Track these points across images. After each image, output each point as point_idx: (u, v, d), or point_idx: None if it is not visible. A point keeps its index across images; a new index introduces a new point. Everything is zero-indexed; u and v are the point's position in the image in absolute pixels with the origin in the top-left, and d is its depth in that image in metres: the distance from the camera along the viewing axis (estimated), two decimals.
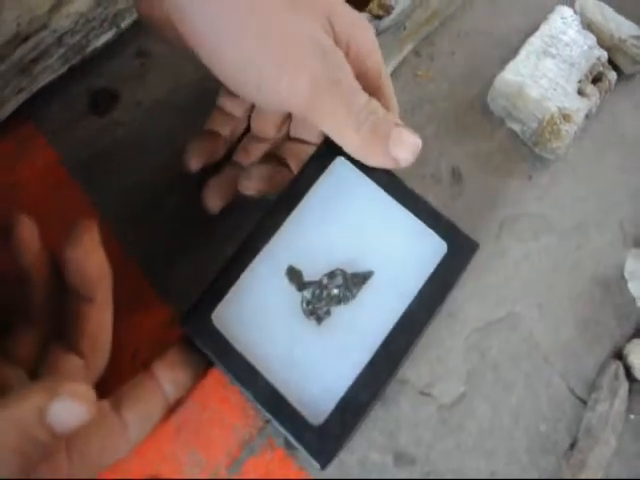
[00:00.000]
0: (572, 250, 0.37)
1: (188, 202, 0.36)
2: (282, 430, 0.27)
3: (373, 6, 0.37)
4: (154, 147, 0.38)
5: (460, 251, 0.29)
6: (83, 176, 0.37)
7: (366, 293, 0.29)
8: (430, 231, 0.30)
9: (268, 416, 0.27)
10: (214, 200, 0.34)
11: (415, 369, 0.32)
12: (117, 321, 0.29)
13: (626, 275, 0.36)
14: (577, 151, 0.40)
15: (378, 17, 0.37)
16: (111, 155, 0.38)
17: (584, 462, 0.30)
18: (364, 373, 0.27)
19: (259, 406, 0.27)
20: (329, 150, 0.30)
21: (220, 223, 0.35)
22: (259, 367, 0.28)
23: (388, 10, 0.37)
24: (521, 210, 0.38)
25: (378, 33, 0.38)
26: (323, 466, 0.27)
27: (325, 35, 0.27)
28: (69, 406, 0.21)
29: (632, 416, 0.33)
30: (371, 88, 0.29)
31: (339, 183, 0.31)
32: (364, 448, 0.30)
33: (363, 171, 0.30)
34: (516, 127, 0.41)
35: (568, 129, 0.39)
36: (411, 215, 0.30)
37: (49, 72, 0.38)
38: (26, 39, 0.36)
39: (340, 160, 0.31)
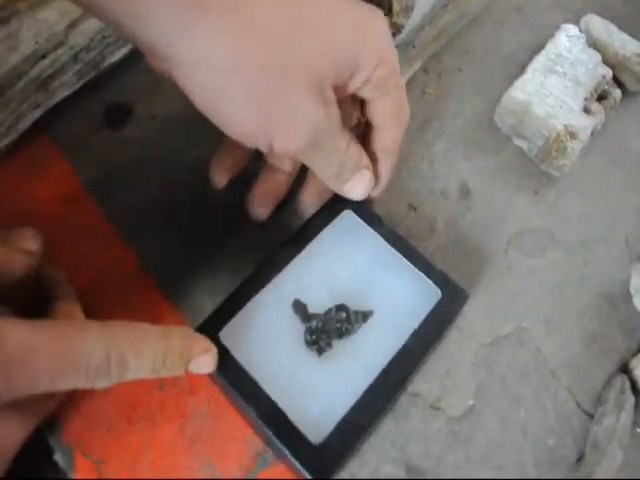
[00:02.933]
0: (578, 265, 0.38)
1: (201, 217, 0.37)
2: (282, 448, 0.28)
3: None
4: (167, 162, 0.39)
5: (452, 298, 0.32)
6: (97, 189, 0.38)
7: (366, 329, 0.31)
8: (426, 279, 0.32)
9: (269, 434, 0.28)
10: (262, 210, 0.36)
11: (425, 383, 0.33)
12: None
13: (631, 290, 0.37)
14: (583, 168, 0.42)
15: None
16: (124, 169, 0.39)
17: (591, 475, 0.31)
18: (362, 399, 0.29)
19: (260, 423, 0.28)
20: (340, 201, 0.34)
21: (233, 238, 0.36)
22: (263, 385, 0.29)
23: (399, 29, 0.38)
24: (528, 226, 0.39)
25: None
26: (318, 473, 0.28)
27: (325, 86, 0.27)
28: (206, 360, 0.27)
29: (639, 430, 0.34)
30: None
31: (346, 231, 0.34)
32: (376, 460, 0.31)
33: (368, 223, 0.34)
34: (523, 144, 0.42)
35: (574, 146, 0.40)
36: (409, 264, 0.33)
37: (65, 88, 0.40)
38: (44, 56, 0.38)
39: (348, 212, 0.34)
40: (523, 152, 0.42)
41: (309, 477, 0.28)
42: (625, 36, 0.47)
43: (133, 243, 0.36)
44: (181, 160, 0.40)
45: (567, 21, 0.48)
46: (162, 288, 0.35)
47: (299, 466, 0.28)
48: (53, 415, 0.30)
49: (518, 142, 0.42)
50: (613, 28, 0.48)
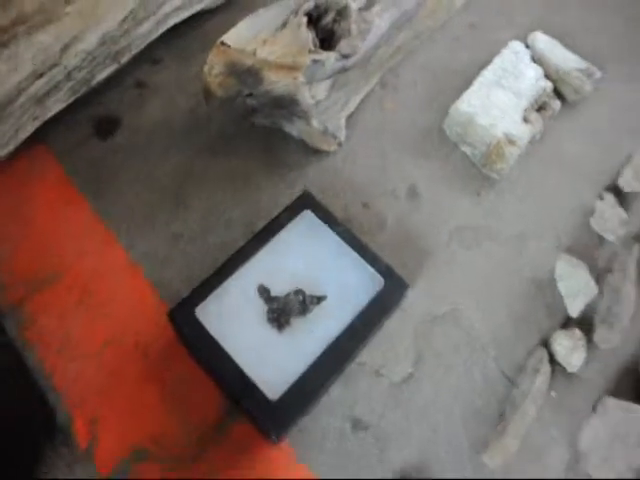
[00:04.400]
0: (511, 256, 0.48)
1: (182, 215, 0.46)
2: (245, 404, 0.37)
3: (342, 45, 0.48)
4: (152, 166, 0.49)
5: (394, 287, 0.42)
6: (89, 190, 0.48)
7: (319, 310, 0.41)
8: (372, 270, 0.42)
9: (235, 393, 0.37)
10: None
11: (371, 354, 0.43)
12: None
13: (556, 277, 0.47)
14: (521, 172, 0.51)
15: (346, 56, 0.48)
16: (114, 173, 0.49)
17: (505, 428, 0.40)
18: (314, 366, 0.39)
19: (228, 384, 0.38)
20: (301, 203, 0.44)
21: (209, 234, 0.46)
22: (230, 354, 0.38)
23: (355, 49, 0.48)
24: (469, 222, 0.49)
25: (346, 69, 0.49)
26: (277, 435, 0.37)
27: None
28: None
29: (553, 393, 0.43)
30: None
31: (305, 228, 0.44)
32: (326, 417, 0.41)
33: (324, 222, 0.43)
34: (468, 150, 0.52)
35: (512, 152, 0.50)
36: (358, 256, 0.42)
37: (59, 102, 0.49)
38: (41, 75, 0.47)
39: (308, 212, 0.43)
40: (468, 158, 0.51)
41: (268, 428, 0.37)
42: (567, 52, 0.57)
43: (123, 238, 0.45)
44: (164, 165, 0.49)
45: (517, 38, 0.57)
46: (148, 277, 0.44)
47: (259, 418, 0.37)
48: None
49: (464, 148, 0.52)
50: (557, 45, 0.58)
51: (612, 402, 0.42)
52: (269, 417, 0.37)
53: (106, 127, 0.51)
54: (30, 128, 0.48)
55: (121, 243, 0.46)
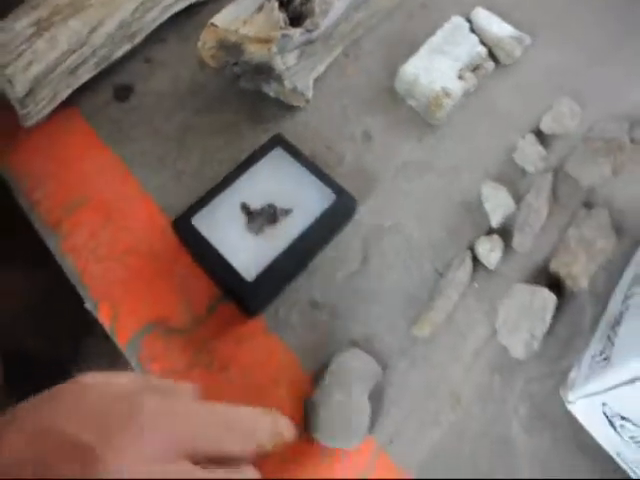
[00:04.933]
0: (446, 185, 0.60)
1: (185, 155, 0.61)
2: (228, 284, 0.50)
3: (307, 23, 0.62)
4: (160, 123, 0.63)
5: (345, 201, 0.55)
6: (111, 142, 0.62)
7: (287, 219, 0.55)
8: (328, 189, 0.55)
9: (220, 277, 0.51)
10: None
11: (327, 255, 0.56)
12: None
13: (482, 199, 0.60)
14: (458, 120, 0.64)
15: (310, 31, 0.62)
16: (130, 129, 0.63)
17: (432, 306, 0.53)
18: (280, 256, 0.52)
19: (216, 271, 0.51)
20: (273, 142, 0.57)
21: (205, 167, 0.60)
22: (219, 250, 0.52)
23: (317, 26, 0.62)
24: (412, 159, 0.62)
25: (311, 42, 0.63)
26: (253, 306, 0.51)
27: None
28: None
29: (476, 285, 0.56)
30: None
31: (277, 160, 0.57)
32: (291, 300, 0.54)
33: (291, 155, 0.57)
34: (413, 103, 0.65)
35: (448, 102, 0.63)
36: (317, 180, 0.56)
37: (86, 73, 0.64)
38: (73, 52, 0.62)
39: (279, 148, 0.57)
40: (413, 109, 0.64)
41: (245, 300, 0.50)
42: (503, 23, 0.70)
43: (138, 174, 0.60)
44: (170, 121, 0.63)
45: (462, 15, 0.71)
46: (158, 202, 0.58)
47: (238, 294, 0.51)
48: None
49: (410, 102, 0.65)
50: (495, 18, 0.71)
51: (520, 286, 0.55)
52: (246, 292, 0.51)
53: (123, 93, 0.65)
54: (64, 94, 0.62)
55: (136, 178, 0.60)
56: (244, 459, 0.36)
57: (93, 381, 0.34)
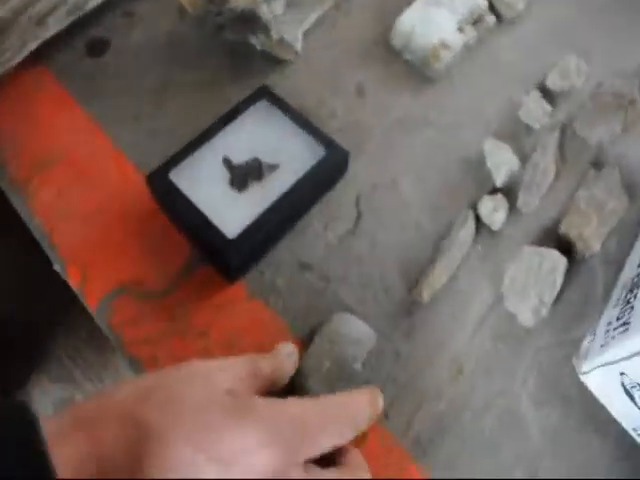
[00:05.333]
0: (446, 141, 0.55)
1: (162, 107, 0.55)
2: (209, 243, 0.45)
3: None
4: (136, 77, 0.57)
5: (335, 154, 0.50)
6: (83, 99, 0.56)
7: (273, 176, 0.49)
8: (317, 142, 0.50)
9: (200, 235, 0.45)
10: None
11: (317, 214, 0.50)
12: None
13: (485, 156, 0.54)
14: (458, 74, 0.59)
15: None
16: (105, 85, 0.57)
17: (432, 269, 0.48)
18: (265, 213, 0.46)
19: (195, 229, 0.45)
20: (259, 93, 0.52)
21: (183, 121, 0.54)
22: (199, 206, 0.46)
23: None
24: (409, 114, 0.56)
25: None
26: (234, 267, 0.45)
27: None
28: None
29: (479, 247, 0.50)
30: None
31: (263, 111, 0.52)
32: (277, 263, 0.48)
33: (278, 107, 0.51)
34: (409, 57, 0.59)
35: (446, 54, 0.57)
36: (306, 133, 0.50)
37: (57, 24, 0.58)
38: None
39: (264, 100, 0.52)
40: (410, 63, 0.59)
41: (226, 259, 0.45)
42: None
43: (111, 133, 0.54)
44: (147, 76, 0.57)
45: None
46: (132, 159, 0.52)
47: (219, 253, 0.45)
48: None
49: (407, 56, 0.59)
50: None
51: (529, 248, 0.49)
52: (227, 250, 0.45)
53: (98, 48, 0.60)
54: (32, 45, 0.56)
55: (109, 135, 0.54)
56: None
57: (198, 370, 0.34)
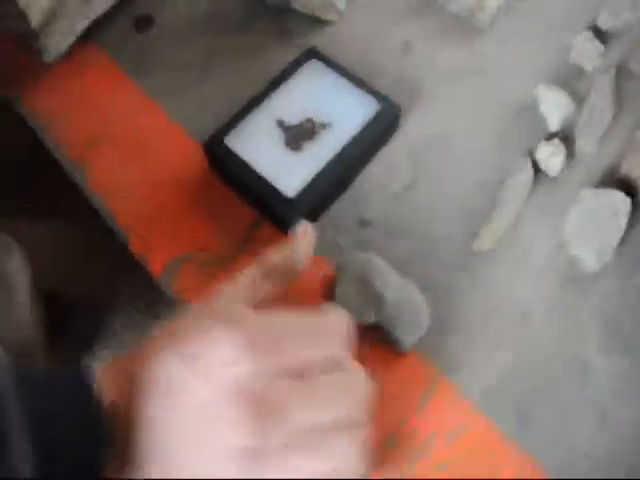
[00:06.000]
0: (495, 89, 0.53)
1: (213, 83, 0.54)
2: (268, 202, 0.44)
3: None
4: (182, 50, 0.56)
5: (389, 109, 0.48)
6: (134, 73, 0.55)
7: (327, 134, 0.48)
8: (370, 97, 0.48)
9: (260, 196, 0.44)
10: None
11: (373, 170, 0.49)
12: None
13: (538, 102, 0.51)
14: (505, 23, 0.56)
15: None
16: (153, 58, 0.56)
17: (492, 217, 0.46)
18: (322, 171, 0.45)
19: (255, 190, 0.44)
20: (307, 55, 0.51)
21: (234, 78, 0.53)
22: (256, 169, 0.45)
23: None
24: (457, 65, 0.54)
25: None
26: (294, 222, 0.44)
27: None
28: None
29: (539, 195, 0.48)
30: None
31: (313, 72, 0.50)
32: (337, 220, 0.47)
33: (326, 65, 0.50)
34: (454, 8, 0.57)
35: (491, 4, 0.54)
36: (358, 89, 0.49)
37: (103, 3, 0.57)
38: None
39: (313, 61, 0.51)
40: (454, 14, 0.56)
41: (287, 217, 0.43)
42: None
43: (163, 105, 0.53)
44: (193, 48, 0.56)
45: None
46: (187, 131, 0.51)
47: (279, 212, 0.44)
48: None
49: (451, 8, 0.57)
50: None
51: (590, 191, 0.47)
52: (287, 210, 0.44)
53: (144, 24, 0.59)
54: (81, 25, 0.56)
55: (162, 107, 0.53)
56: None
57: None
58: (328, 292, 0.44)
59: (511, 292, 0.45)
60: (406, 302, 0.43)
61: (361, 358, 0.40)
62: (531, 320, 0.44)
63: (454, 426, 0.40)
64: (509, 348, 0.43)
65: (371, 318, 0.42)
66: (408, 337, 0.42)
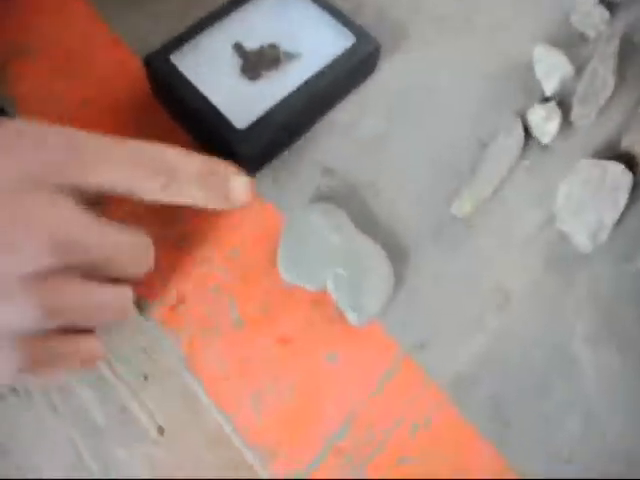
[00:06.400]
0: (488, 43, 0.46)
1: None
2: (215, 133, 0.36)
3: None
4: None
5: (365, 44, 0.40)
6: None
7: (291, 65, 0.40)
8: (345, 29, 0.41)
9: (206, 124, 0.36)
10: None
11: (342, 113, 0.41)
12: None
13: (534, 61, 0.44)
14: None
15: None
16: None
17: (477, 178, 0.39)
18: (281, 103, 0.37)
19: (202, 117, 0.36)
20: None
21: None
22: (204, 93, 0.37)
23: None
24: (447, 12, 0.47)
25: None
26: (246, 168, 0.36)
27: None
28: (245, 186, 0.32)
29: (527, 162, 0.41)
30: None
31: None
32: (296, 163, 0.39)
33: None
34: None
35: None
36: (332, 19, 0.41)
37: None
38: None
39: None
40: None
41: (236, 158, 0.35)
42: None
43: (106, 16, 0.44)
44: None
45: None
46: (129, 46, 0.43)
47: (229, 144, 0.35)
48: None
49: None
50: None
51: (587, 162, 0.40)
52: (236, 142, 0.36)
53: None
54: None
55: (103, 16, 0.44)
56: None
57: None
58: (271, 246, 0.36)
59: (490, 267, 0.37)
60: (368, 266, 0.35)
61: (309, 329, 0.33)
62: (511, 301, 0.37)
63: (418, 415, 0.32)
64: (484, 331, 0.36)
65: (323, 283, 0.34)
66: (367, 308, 0.34)
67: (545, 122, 0.41)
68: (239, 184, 0.31)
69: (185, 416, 0.33)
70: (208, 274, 0.36)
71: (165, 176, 0.28)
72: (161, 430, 0.33)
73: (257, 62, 0.39)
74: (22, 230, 0.24)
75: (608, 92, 0.44)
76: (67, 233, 0.25)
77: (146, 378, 0.34)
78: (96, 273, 0.27)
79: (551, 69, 0.44)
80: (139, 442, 0.33)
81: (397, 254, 0.37)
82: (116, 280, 0.29)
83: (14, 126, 0.26)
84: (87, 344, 0.29)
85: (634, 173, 0.41)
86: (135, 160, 0.28)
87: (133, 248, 0.29)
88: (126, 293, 0.30)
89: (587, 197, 0.39)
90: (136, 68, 0.42)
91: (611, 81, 0.44)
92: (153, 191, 0.28)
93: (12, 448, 0.33)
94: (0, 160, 0.25)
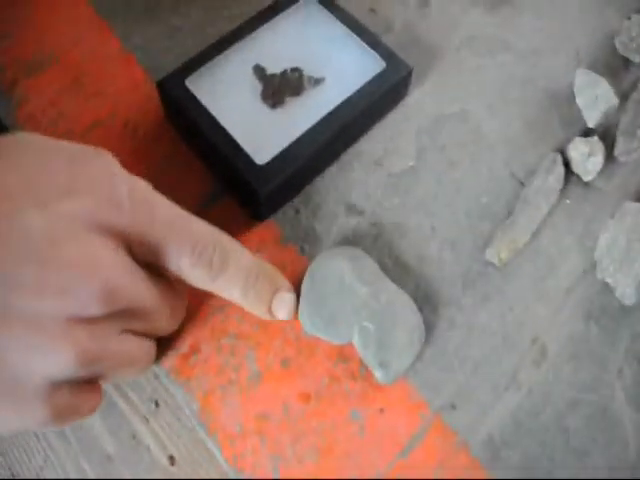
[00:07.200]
0: (526, 68, 0.41)
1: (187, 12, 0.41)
2: (233, 167, 0.32)
3: None
4: None
5: (396, 69, 0.36)
6: None
7: (316, 91, 0.36)
8: (373, 52, 0.37)
9: (223, 158, 0.32)
10: None
11: (370, 144, 0.37)
12: None
13: (575, 90, 0.40)
14: None
15: None
16: None
17: (515, 222, 0.35)
18: (304, 136, 0.33)
19: (218, 149, 0.32)
20: None
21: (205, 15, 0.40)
22: (221, 122, 0.33)
23: None
24: (481, 32, 0.43)
25: None
26: (266, 207, 0.32)
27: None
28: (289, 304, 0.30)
29: (568, 201, 0.37)
30: None
31: (307, 12, 0.38)
32: (319, 199, 0.35)
33: (326, 6, 0.38)
34: None
35: None
36: (360, 40, 0.37)
37: None
38: None
39: None
40: None
41: (254, 196, 0.31)
42: None
43: (119, 30, 0.40)
44: None
45: None
46: (143, 64, 0.39)
47: (246, 179, 0.32)
48: None
49: None
50: None
51: (632, 206, 0.36)
52: (255, 179, 0.32)
53: None
54: None
55: (117, 34, 0.41)
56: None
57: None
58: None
59: (526, 318, 0.34)
60: (396, 319, 0.31)
61: (332, 385, 0.30)
62: (547, 356, 0.33)
63: None
64: (519, 389, 0.32)
65: (349, 337, 0.31)
66: (395, 365, 0.30)
67: (587, 158, 0.37)
68: (282, 301, 0.30)
69: (197, 447, 0.30)
70: (225, 322, 0.32)
71: (217, 269, 0.27)
72: (172, 460, 0.30)
73: (279, 87, 0.35)
74: (78, 273, 0.22)
75: None
76: (119, 283, 0.24)
77: (157, 405, 0.31)
78: (132, 326, 0.26)
79: (594, 99, 0.40)
80: (149, 472, 0.30)
81: (426, 303, 0.33)
82: (143, 334, 0.27)
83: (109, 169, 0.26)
84: (96, 394, 0.27)
85: None
86: (195, 241, 0.26)
87: (174, 305, 0.28)
88: (153, 348, 0.29)
89: (632, 246, 0.35)
90: (149, 87, 0.38)
91: None
92: (203, 280, 0.27)
93: (21, 476, 0.30)
94: (76, 200, 0.23)
